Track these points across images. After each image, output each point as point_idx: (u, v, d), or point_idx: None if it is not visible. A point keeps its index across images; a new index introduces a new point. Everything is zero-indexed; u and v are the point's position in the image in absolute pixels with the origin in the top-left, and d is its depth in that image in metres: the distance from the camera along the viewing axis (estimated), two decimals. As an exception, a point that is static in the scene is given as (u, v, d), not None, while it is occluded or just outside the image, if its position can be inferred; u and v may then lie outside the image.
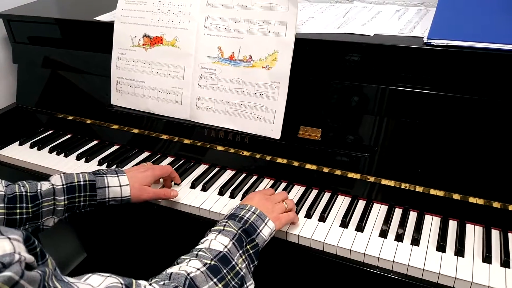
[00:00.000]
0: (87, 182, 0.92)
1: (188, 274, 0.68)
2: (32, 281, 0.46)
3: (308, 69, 1.01)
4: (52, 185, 0.90)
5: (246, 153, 1.10)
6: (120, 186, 0.95)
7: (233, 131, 1.08)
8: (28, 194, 0.87)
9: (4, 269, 0.44)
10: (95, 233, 1.70)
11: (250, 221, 0.82)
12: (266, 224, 0.84)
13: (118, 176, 0.96)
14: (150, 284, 0.64)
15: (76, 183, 0.91)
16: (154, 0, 1.12)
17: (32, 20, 1.33)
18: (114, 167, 1.17)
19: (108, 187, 0.94)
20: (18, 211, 0.85)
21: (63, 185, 0.90)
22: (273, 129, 1.02)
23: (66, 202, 0.90)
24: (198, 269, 0.69)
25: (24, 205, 0.86)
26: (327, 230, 0.92)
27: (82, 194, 0.92)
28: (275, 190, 1.05)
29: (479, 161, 0.89)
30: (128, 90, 1.19)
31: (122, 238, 1.62)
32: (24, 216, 0.86)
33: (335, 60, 0.98)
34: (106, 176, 0.95)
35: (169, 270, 0.70)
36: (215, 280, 0.70)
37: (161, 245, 1.35)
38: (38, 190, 0.88)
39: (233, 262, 0.74)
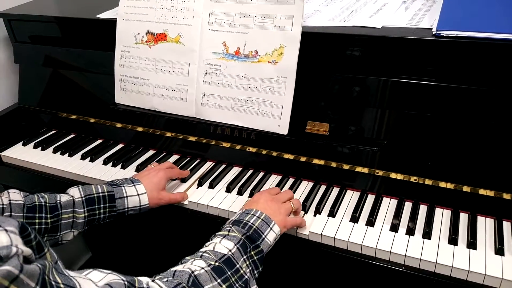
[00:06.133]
0: (106, 193, 0.91)
1: (193, 272, 0.67)
2: (32, 275, 0.46)
3: (315, 63, 1.00)
4: (71, 197, 0.89)
5: (253, 149, 1.09)
6: (138, 194, 0.94)
7: (239, 127, 1.07)
8: (48, 204, 0.86)
9: (2, 263, 0.43)
10: (100, 232, 1.70)
11: (254, 227, 0.80)
12: (271, 228, 0.82)
13: (134, 185, 0.95)
14: (153, 281, 0.63)
15: (95, 195, 0.91)
16: (157, -4, 1.11)
17: (32, 19, 1.32)
18: (119, 166, 1.17)
19: (127, 196, 0.93)
20: (37, 221, 0.84)
21: (82, 197, 0.90)
22: (281, 125, 1.01)
23: (86, 214, 0.90)
24: (203, 268, 0.69)
25: (43, 215, 0.85)
26: (337, 226, 0.92)
27: (102, 205, 0.91)
28: (283, 187, 1.04)
29: (489, 152, 0.89)
30: (132, 88, 1.18)
31: (128, 236, 1.61)
32: (43, 226, 0.85)
33: (343, 53, 0.97)
34: (123, 186, 0.94)
35: (173, 268, 0.69)
36: (219, 280, 0.69)
37: (168, 244, 1.35)
38: (58, 201, 0.88)
39: (237, 266, 0.74)
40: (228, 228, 0.80)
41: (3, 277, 0.43)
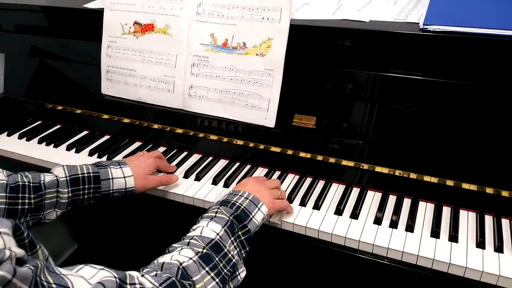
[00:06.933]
0: (91, 174, 0.91)
1: (181, 264, 0.67)
2: (24, 278, 0.45)
3: (302, 56, 1.00)
4: (56, 176, 0.88)
5: (240, 142, 1.09)
6: (124, 177, 0.94)
7: (226, 119, 1.07)
8: (31, 184, 0.85)
9: None
10: (86, 223, 1.69)
11: (242, 207, 0.81)
12: (259, 209, 0.83)
13: (121, 167, 0.94)
14: (142, 276, 0.62)
15: (80, 175, 0.90)
16: (145, -13, 1.10)
17: (19, 8, 1.30)
18: (105, 157, 1.16)
19: (112, 178, 0.92)
20: (20, 201, 0.83)
21: (66, 177, 0.88)
22: (268, 118, 1.01)
23: (70, 194, 0.88)
24: (191, 258, 0.69)
25: (27, 195, 0.84)
26: (322, 218, 0.92)
27: (87, 186, 0.90)
28: (269, 179, 1.04)
29: (473, 147, 0.90)
30: (119, 79, 1.17)
31: (114, 228, 1.60)
32: (26, 206, 0.83)
33: (330, 47, 0.97)
34: (110, 167, 0.93)
35: (160, 260, 0.68)
36: (207, 269, 0.69)
37: (154, 235, 1.34)
38: (41, 181, 0.86)
39: (225, 250, 0.74)
40: (216, 210, 0.80)
41: None
